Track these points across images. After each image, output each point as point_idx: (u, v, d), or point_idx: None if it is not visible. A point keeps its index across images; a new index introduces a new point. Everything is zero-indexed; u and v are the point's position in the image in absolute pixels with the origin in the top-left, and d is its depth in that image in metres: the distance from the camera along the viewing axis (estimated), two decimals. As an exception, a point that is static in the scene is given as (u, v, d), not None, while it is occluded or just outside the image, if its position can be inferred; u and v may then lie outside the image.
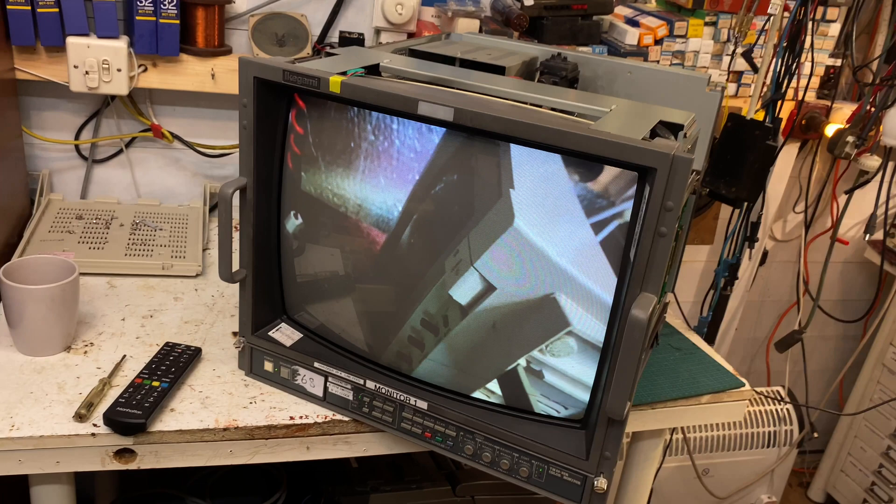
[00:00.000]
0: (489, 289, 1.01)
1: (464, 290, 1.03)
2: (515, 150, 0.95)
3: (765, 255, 2.33)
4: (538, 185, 0.94)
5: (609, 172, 0.91)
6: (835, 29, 2.00)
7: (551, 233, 0.95)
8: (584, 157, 0.91)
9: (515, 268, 0.98)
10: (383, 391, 1.12)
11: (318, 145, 1.07)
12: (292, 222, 1.14)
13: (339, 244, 1.11)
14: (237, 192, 1.09)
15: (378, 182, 1.04)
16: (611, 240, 0.94)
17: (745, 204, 1.87)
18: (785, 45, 1.73)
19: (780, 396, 2.34)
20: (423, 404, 1.11)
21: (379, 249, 1.07)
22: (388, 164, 1.02)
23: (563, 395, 1.04)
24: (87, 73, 1.51)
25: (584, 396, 1.03)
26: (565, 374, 1.03)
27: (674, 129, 1.03)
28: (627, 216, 0.92)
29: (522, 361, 1.04)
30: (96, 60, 1.50)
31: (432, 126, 0.99)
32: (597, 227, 0.94)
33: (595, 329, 0.98)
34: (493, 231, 0.98)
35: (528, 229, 0.96)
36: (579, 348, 1.00)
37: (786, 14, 1.72)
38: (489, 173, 0.97)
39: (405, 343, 1.11)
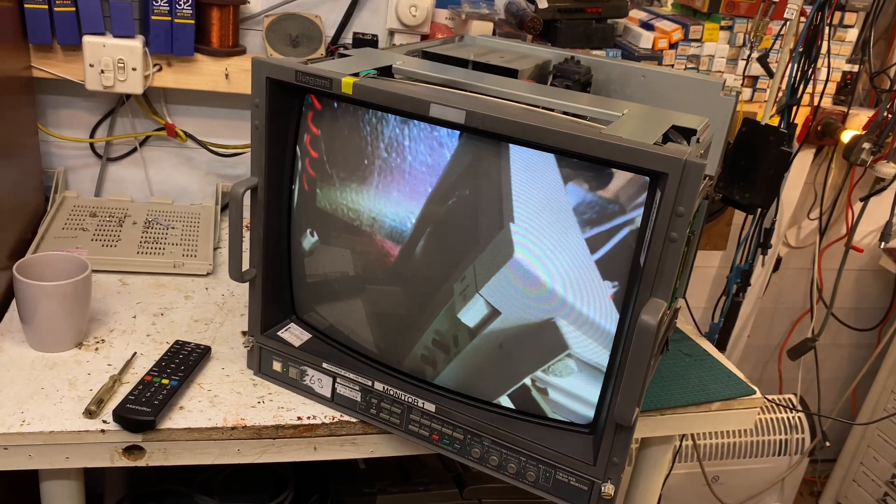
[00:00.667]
0: (494, 313, 1.03)
1: (471, 314, 1.05)
2: (516, 177, 0.97)
3: (778, 261, 2.31)
4: (537, 215, 0.97)
5: (611, 188, 0.92)
6: (852, 34, 1.98)
7: (550, 262, 0.98)
8: (595, 162, 0.90)
9: (517, 295, 1.01)
10: (391, 393, 1.12)
11: (332, 162, 1.09)
12: (308, 240, 1.15)
13: (350, 246, 1.12)
14: (248, 192, 1.09)
15: (391, 195, 1.06)
16: (608, 259, 0.95)
17: (759, 210, 1.85)
18: (801, 50, 1.71)
19: (793, 404, 2.33)
20: (430, 407, 1.10)
21: (393, 261, 1.09)
22: (401, 178, 1.04)
23: (568, 411, 1.05)
24: (102, 71, 1.52)
25: (588, 412, 1.04)
26: (568, 392, 1.04)
27: (686, 133, 1.02)
28: (624, 235, 0.92)
29: (528, 381, 1.05)
30: (112, 59, 1.52)
31: (443, 140, 1.00)
32: (593, 246, 0.95)
33: (593, 352, 1.00)
34: (496, 261, 1.01)
35: (528, 261, 0.99)
36: (579, 369, 1.02)
37: (802, 19, 1.71)
38: (492, 203, 0.99)
39: (417, 361, 1.12)
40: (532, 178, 0.96)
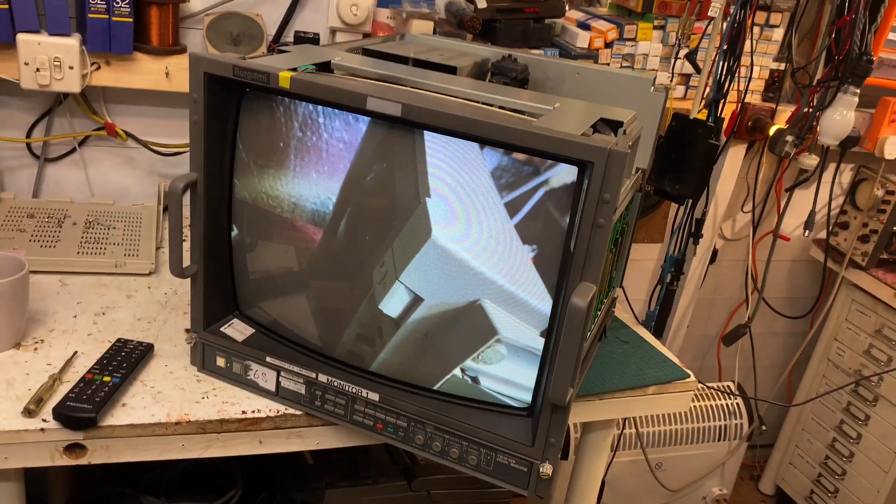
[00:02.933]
0: (417, 300, 1.04)
1: (393, 304, 1.05)
2: (430, 147, 0.96)
3: (714, 253, 2.39)
4: (455, 185, 0.96)
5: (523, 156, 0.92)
6: (778, 34, 2.07)
7: (470, 238, 0.98)
8: (526, 152, 0.94)
9: (439, 278, 1.01)
10: (335, 384, 1.14)
11: (248, 150, 1.09)
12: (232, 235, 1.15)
13: (288, 241, 1.13)
14: (189, 189, 1.10)
15: (309, 177, 1.04)
16: (527, 223, 0.95)
17: (690, 201, 1.92)
18: (725, 47, 1.79)
19: (731, 391, 2.41)
20: (374, 396, 1.12)
21: (317, 247, 1.09)
22: (318, 158, 1.03)
23: (505, 395, 1.08)
24: (38, 70, 1.50)
25: (525, 396, 1.06)
26: (501, 378, 1.06)
27: (614, 125, 1.06)
28: (540, 197, 0.93)
29: (458, 372, 1.07)
30: (47, 58, 1.50)
31: (357, 116, 0.99)
32: (511, 210, 0.95)
33: (523, 334, 1.01)
34: (414, 243, 1.00)
35: (447, 240, 0.98)
36: (510, 353, 1.03)
37: (727, 17, 1.79)
38: (408, 178, 0.98)
39: (346, 354, 1.13)
40: (447, 145, 0.96)
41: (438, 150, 0.97)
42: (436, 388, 1.11)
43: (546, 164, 0.93)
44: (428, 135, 0.97)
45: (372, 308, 1.07)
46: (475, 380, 1.07)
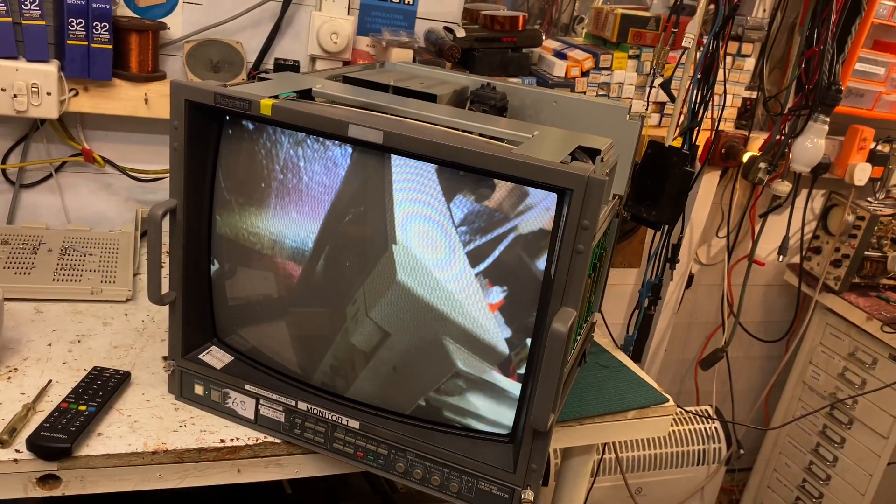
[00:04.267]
0: (385, 336, 1.07)
1: (363, 338, 1.09)
2: (398, 195, 1.00)
3: (691, 278, 2.42)
4: (418, 233, 1.01)
5: (495, 198, 0.97)
6: (750, 63, 2.12)
7: (433, 280, 1.02)
8: (506, 179, 0.95)
9: (404, 316, 1.05)
10: (315, 412, 1.13)
11: (230, 188, 1.10)
12: (213, 267, 1.16)
13: (268, 269, 1.13)
14: (168, 215, 1.09)
15: (289, 216, 1.08)
16: (494, 269, 0.99)
17: (666, 226, 1.95)
18: (699, 76, 1.83)
19: (709, 415, 2.43)
20: (354, 424, 1.12)
21: (295, 282, 1.11)
22: (297, 198, 1.07)
23: (486, 421, 1.09)
24: (15, 96, 1.49)
25: (485, 428, 1.08)
26: (464, 410, 1.08)
27: (592, 153, 1.08)
28: (509, 242, 0.97)
29: (422, 402, 1.09)
30: (25, 83, 1.49)
31: (337, 160, 1.03)
32: (475, 259, 1.00)
33: (481, 370, 1.05)
34: (382, 284, 1.04)
35: (412, 282, 1.03)
36: (469, 388, 1.06)
37: (701, 48, 1.83)
38: (378, 224, 1.02)
39: (322, 383, 1.14)
40: (413, 194, 1.00)
41: (406, 201, 1.01)
42: (414, 413, 1.11)
43: (516, 211, 0.96)
44: (396, 184, 1.01)
45: (346, 341, 1.10)
46: (438, 411, 1.09)
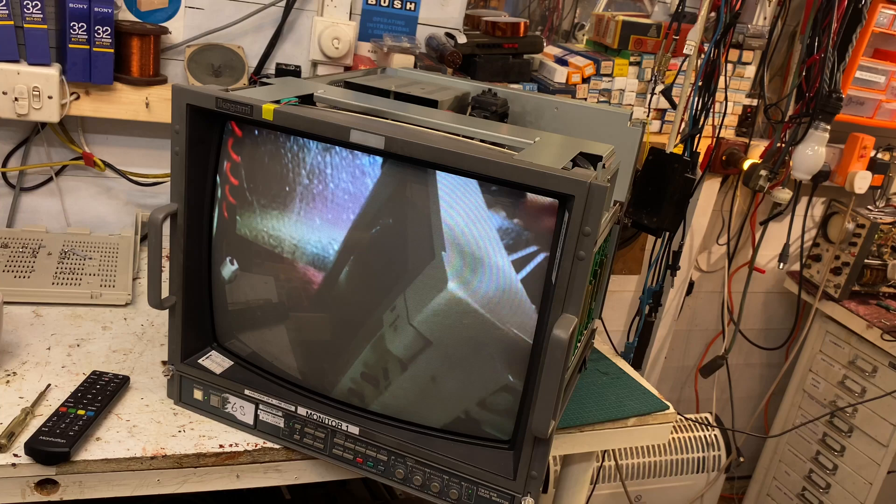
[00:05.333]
0: (427, 344, 1.04)
1: (402, 346, 1.06)
2: (444, 204, 0.99)
3: (691, 285, 2.42)
4: (467, 242, 0.99)
5: (528, 214, 0.96)
6: (751, 71, 2.12)
7: (482, 290, 1.00)
8: (508, 185, 0.95)
9: (451, 325, 1.02)
10: (315, 417, 1.13)
11: (253, 189, 1.09)
12: (228, 268, 1.15)
13: (272, 274, 1.13)
14: (168, 220, 1.09)
15: (313, 222, 1.06)
16: (529, 282, 0.98)
17: (667, 233, 1.95)
18: (700, 83, 1.83)
19: (708, 422, 2.42)
20: (354, 430, 1.11)
21: (316, 288, 1.09)
22: (323, 205, 1.05)
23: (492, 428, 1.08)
24: (16, 99, 1.49)
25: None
26: (505, 426, 1.06)
27: (593, 160, 1.08)
28: (539, 261, 0.97)
29: (462, 414, 1.07)
30: (26, 87, 1.49)
31: (366, 169, 1.02)
32: (518, 267, 0.98)
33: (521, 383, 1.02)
34: (429, 292, 1.02)
35: (461, 290, 1.00)
36: (515, 400, 1.03)
37: (702, 55, 1.83)
38: (421, 229, 1.00)
39: (345, 393, 1.12)
40: (458, 205, 0.98)
41: (452, 212, 0.99)
42: (447, 426, 1.09)
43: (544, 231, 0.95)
44: (442, 198, 0.99)
45: (380, 348, 1.07)
46: (476, 423, 1.07)
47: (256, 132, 1.08)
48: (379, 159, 1.02)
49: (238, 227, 1.12)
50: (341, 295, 1.08)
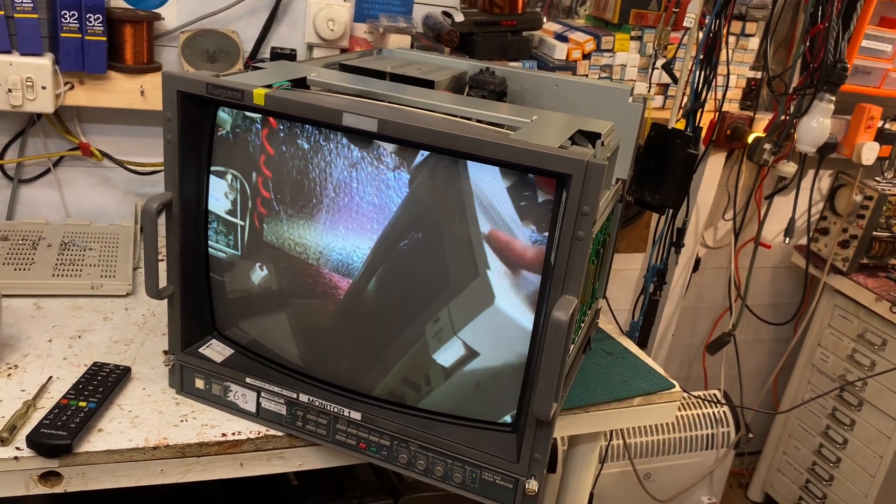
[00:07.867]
0: (472, 354, 1.04)
1: (447, 355, 1.05)
2: (483, 224, 0.97)
3: (697, 261, 2.40)
4: (511, 258, 0.98)
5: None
6: (754, 43, 2.09)
7: (524, 305, 0.99)
8: (504, 166, 0.93)
9: (500, 337, 1.01)
10: (317, 404, 1.12)
11: (279, 195, 1.07)
12: (258, 274, 1.13)
13: (273, 262, 1.11)
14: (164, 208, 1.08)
15: (344, 230, 1.05)
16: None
17: (670, 210, 1.92)
18: (702, 57, 1.80)
19: (717, 399, 2.41)
20: (356, 415, 1.11)
21: (343, 295, 1.08)
22: (349, 216, 1.04)
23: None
24: (9, 90, 1.48)
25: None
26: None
27: (592, 137, 1.06)
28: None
29: (508, 418, 1.06)
30: (19, 78, 1.48)
31: (391, 183, 1.00)
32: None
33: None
34: (475, 307, 1.00)
35: (508, 307, 0.99)
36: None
37: (703, 28, 1.80)
38: (462, 251, 0.98)
39: (386, 395, 1.11)
40: (496, 215, 0.97)
41: (490, 224, 0.98)
42: (420, 405, 1.09)
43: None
44: (479, 209, 0.97)
45: (422, 357, 1.06)
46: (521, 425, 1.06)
47: (287, 126, 1.05)
48: (406, 175, 0.99)
49: (265, 234, 1.10)
50: (372, 304, 1.07)
